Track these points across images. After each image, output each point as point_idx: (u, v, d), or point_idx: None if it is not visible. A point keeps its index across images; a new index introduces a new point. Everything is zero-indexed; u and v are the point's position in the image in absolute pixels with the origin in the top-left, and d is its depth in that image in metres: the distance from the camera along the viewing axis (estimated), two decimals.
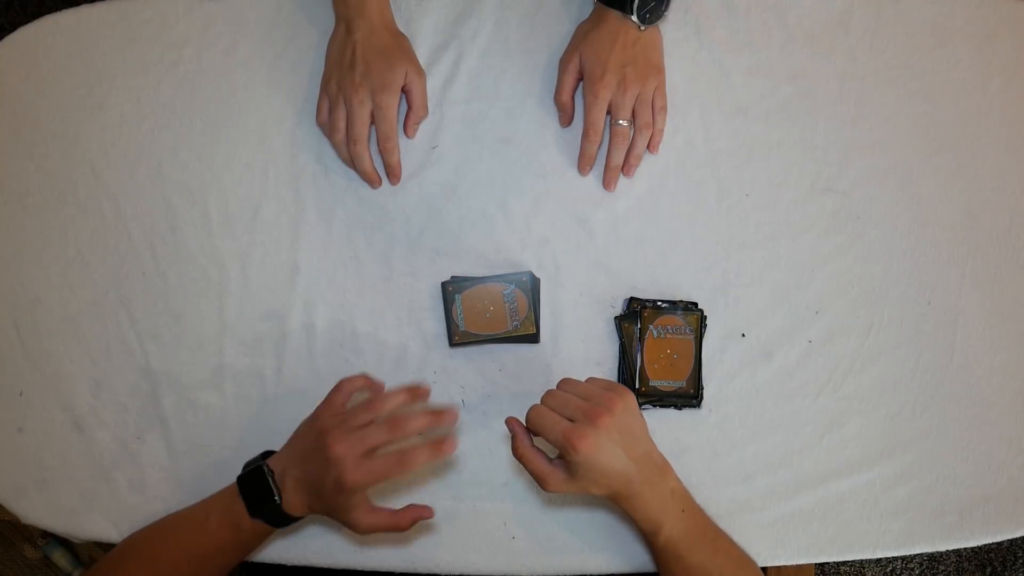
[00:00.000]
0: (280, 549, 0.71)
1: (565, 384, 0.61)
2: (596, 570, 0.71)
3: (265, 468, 0.61)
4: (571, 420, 0.57)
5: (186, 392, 0.73)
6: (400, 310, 0.73)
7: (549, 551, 0.71)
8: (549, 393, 0.60)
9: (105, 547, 0.68)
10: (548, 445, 0.58)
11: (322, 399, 0.63)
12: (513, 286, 0.70)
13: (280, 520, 0.61)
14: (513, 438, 0.60)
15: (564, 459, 0.57)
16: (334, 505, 0.59)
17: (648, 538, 0.62)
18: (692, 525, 0.62)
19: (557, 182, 0.74)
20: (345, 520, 0.60)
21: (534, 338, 0.71)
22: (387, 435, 0.57)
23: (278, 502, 0.60)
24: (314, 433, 0.60)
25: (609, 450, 0.56)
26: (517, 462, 0.60)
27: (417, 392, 0.61)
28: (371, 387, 0.64)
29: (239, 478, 0.63)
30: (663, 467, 0.61)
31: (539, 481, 0.59)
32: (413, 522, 0.60)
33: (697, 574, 0.61)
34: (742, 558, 0.65)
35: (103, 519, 0.72)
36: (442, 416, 0.59)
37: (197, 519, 0.64)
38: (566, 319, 0.72)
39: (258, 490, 0.61)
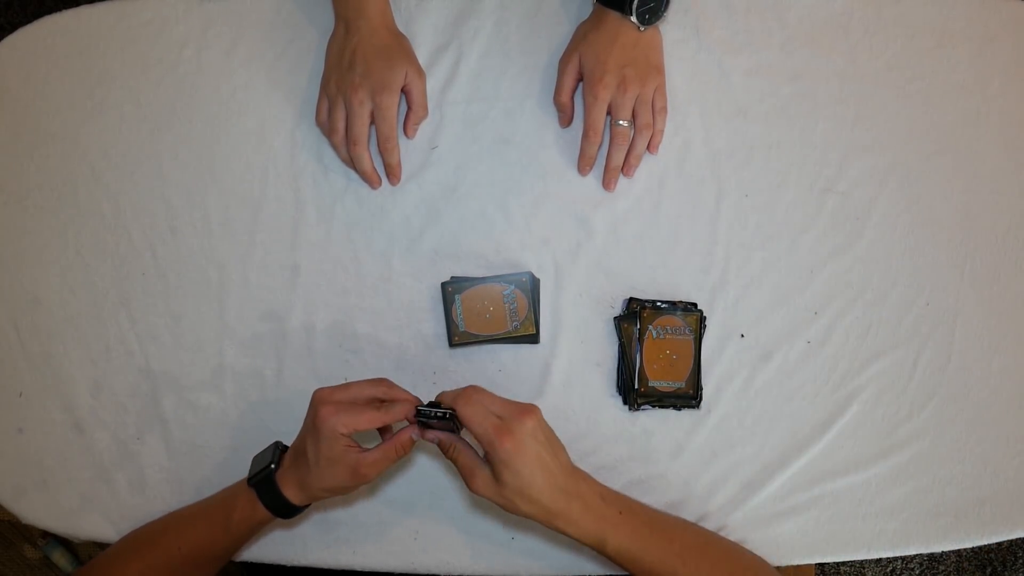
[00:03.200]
0: (280, 549, 0.71)
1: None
2: (595, 571, 0.71)
3: (279, 443, 0.63)
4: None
5: (186, 393, 0.73)
6: (400, 311, 0.73)
7: (548, 552, 0.71)
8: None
9: (104, 547, 0.68)
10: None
11: None
12: (513, 286, 0.70)
13: (273, 498, 0.60)
14: (441, 440, 0.59)
15: (489, 460, 0.56)
16: (319, 459, 0.58)
17: (598, 550, 0.60)
18: (637, 524, 0.60)
19: (557, 182, 0.74)
20: (347, 478, 0.59)
21: (534, 338, 0.71)
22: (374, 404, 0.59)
23: (272, 468, 0.61)
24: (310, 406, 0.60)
25: (534, 452, 0.56)
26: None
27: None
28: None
29: (255, 456, 0.65)
30: (585, 477, 0.60)
31: (465, 478, 0.58)
32: (411, 442, 0.60)
33: (661, 571, 0.60)
34: (701, 539, 0.64)
35: (103, 519, 0.72)
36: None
37: (198, 509, 0.65)
38: (566, 319, 0.72)
39: (262, 461, 0.63)
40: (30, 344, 0.74)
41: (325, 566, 0.72)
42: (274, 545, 0.71)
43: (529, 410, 0.57)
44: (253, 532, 0.64)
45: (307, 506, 0.63)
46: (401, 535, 0.71)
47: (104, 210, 0.75)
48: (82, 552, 1.25)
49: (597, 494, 0.60)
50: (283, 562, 0.72)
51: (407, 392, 0.61)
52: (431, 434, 0.60)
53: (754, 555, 0.67)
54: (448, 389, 0.59)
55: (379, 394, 0.60)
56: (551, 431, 0.59)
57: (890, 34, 0.75)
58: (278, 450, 0.63)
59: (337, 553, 0.71)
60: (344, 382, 0.61)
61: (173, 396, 0.73)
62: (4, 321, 0.74)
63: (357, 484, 0.60)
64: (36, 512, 0.72)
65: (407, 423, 0.60)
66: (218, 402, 0.73)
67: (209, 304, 0.73)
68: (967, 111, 0.75)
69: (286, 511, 0.62)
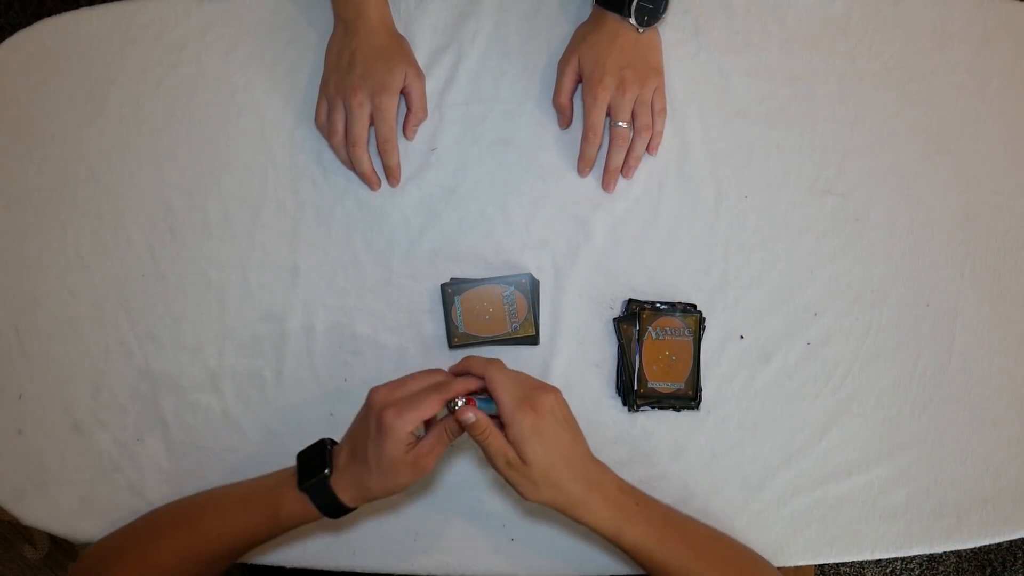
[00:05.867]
0: (280, 549, 0.71)
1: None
2: (596, 571, 0.71)
3: (327, 442, 0.61)
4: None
5: (186, 394, 0.73)
6: (399, 312, 0.73)
7: (548, 552, 0.71)
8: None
9: None
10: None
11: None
12: (512, 288, 0.70)
13: (326, 501, 0.59)
14: (472, 424, 0.56)
15: (510, 437, 0.55)
16: (381, 462, 0.56)
17: (615, 542, 0.60)
18: (653, 517, 0.61)
19: (556, 184, 0.74)
20: (408, 474, 0.57)
21: (533, 340, 0.71)
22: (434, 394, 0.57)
23: (327, 474, 0.58)
24: (365, 406, 0.59)
25: (552, 430, 0.56)
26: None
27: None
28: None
29: (300, 452, 0.61)
30: (604, 467, 0.61)
31: (492, 460, 0.56)
32: (460, 427, 0.57)
33: (673, 566, 0.60)
34: (712, 536, 0.64)
35: (103, 521, 0.72)
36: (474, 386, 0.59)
37: (239, 497, 0.63)
38: (565, 321, 0.72)
39: (313, 461, 0.60)
40: (30, 345, 0.74)
41: (324, 567, 0.72)
42: (274, 546, 0.71)
43: (549, 387, 0.58)
44: (297, 526, 0.62)
45: (356, 508, 0.61)
46: (401, 536, 0.71)
47: (104, 212, 0.75)
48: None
49: (616, 485, 0.60)
50: (283, 563, 0.72)
51: (461, 380, 0.59)
52: (464, 413, 0.56)
53: (758, 555, 0.67)
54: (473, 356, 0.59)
55: (435, 383, 0.58)
56: (571, 415, 0.59)
57: (889, 35, 0.75)
58: (328, 450, 0.60)
59: (337, 554, 0.71)
60: (398, 379, 0.59)
61: (173, 397, 0.73)
62: (4, 323, 0.74)
63: (416, 479, 0.58)
64: (36, 513, 0.72)
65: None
66: (218, 403, 0.73)
67: (208, 305, 0.73)
68: (966, 112, 0.75)
69: (337, 513, 0.60)
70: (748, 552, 0.66)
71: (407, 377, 0.59)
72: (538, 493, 0.57)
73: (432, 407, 0.56)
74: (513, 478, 0.57)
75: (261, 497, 0.62)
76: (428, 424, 0.59)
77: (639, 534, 0.59)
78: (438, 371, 0.60)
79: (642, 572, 0.63)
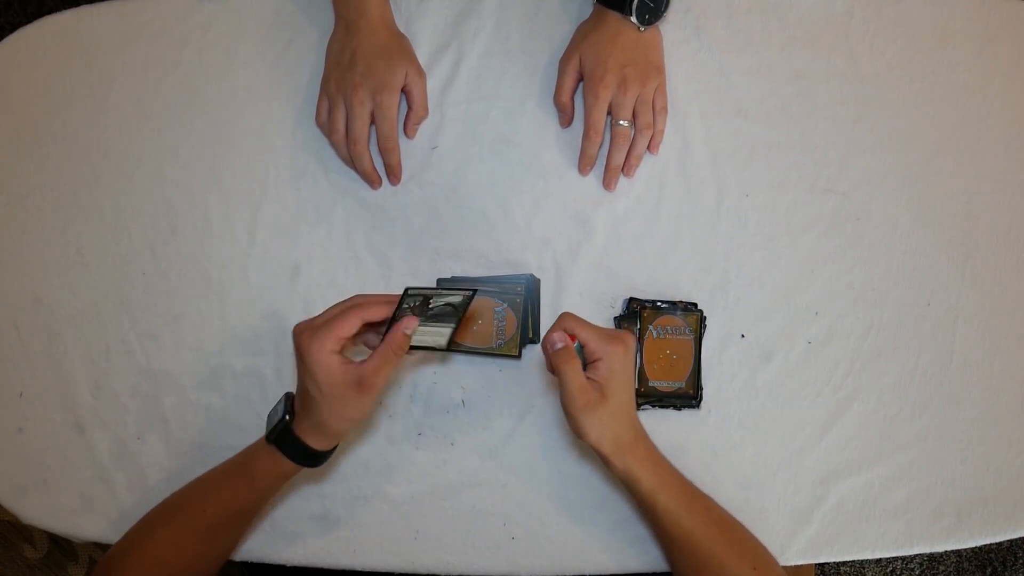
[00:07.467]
0: (280, 549, 0.71)
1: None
2: (595, 570, 0.71)
3: (289, 394, 0.61)
4: None
5: (186, 392, 0.73)
6: None
7: (548, 551, 0.71)
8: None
9: (104, 548, 0.68)
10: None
11: None
12: (506, 306, 0.70)
13: (296, 449, 0.58)
14: (560, 349, 0.57)
15: (594, 372, 0.57)
16: (320, 390, 0.55)
17: (647, 502, 0.60)
18: (683, 484, 0.63)
19: (557, 182, 0.74)
20: (355, 397, 0.56)
21: (515, 358, 0.70)
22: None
23: (287, 420, 0.58)
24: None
25: (630, 372, 0.59)
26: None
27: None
28: None
29: (270, 412, 0.61)
30: (641, 422, 0.62)
31: (571, 398, 0.56)
32: (405, 337, 0.56)
33: (696, 539, 0.60)
34: (727, 517, 0.65)
35: (103, 519, 0.72)
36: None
37: (219, 471, 0.64)
38: None
39: (275, 416, 0.60)
40: (30, 344, 0.74)
41: (325, 566, 0.72)
42: (274, 545, 0.71)
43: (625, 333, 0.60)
44: (279, 486, 0.63)
45: (333, 450, 0.61)
46: (401, 535, 0.71)
47: (104, 210, 0.75)
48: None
49: (652, 444, 0.62)
50: (283, 562, 0.72)
51: (384, 295, 0.58)
52: (551, 336, 0.57)
53: (767, 550, 0.67)
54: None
55: (353, 304, 0.57)
56: None
57: (891, 34, 0.75)
58: (289, 401, 0.60)
59: (337, 553, 0.71)
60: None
61: (173, 396, 0.73)
62: (5, 321, 0.74)
63: (368, 401, 0.56)
64: (36, 512, 0.72)
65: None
66: (218, 401, 0.73)
67: (209, 304, 0.73)
68: (967, 111, 0.75)
69: (312, 460, 0.60)
70: (760, 544, 0.67)
71: (329, 308, 0.58)
72: (601, 433, 0.57)
73: (349, 324, 0.55)
74: (582, 416, 0.56)
75: (237, 465, 0.63)
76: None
77: (672, 498, 0.60)
78: (357, 296, 0.58)
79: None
